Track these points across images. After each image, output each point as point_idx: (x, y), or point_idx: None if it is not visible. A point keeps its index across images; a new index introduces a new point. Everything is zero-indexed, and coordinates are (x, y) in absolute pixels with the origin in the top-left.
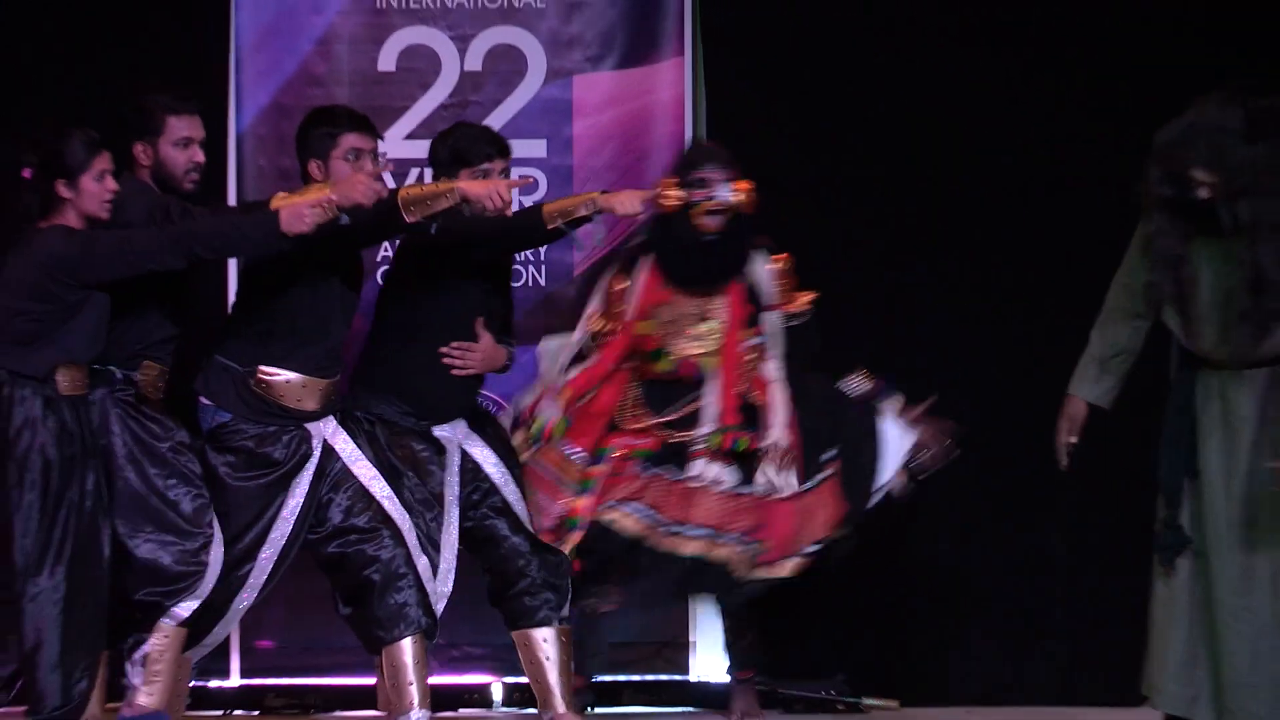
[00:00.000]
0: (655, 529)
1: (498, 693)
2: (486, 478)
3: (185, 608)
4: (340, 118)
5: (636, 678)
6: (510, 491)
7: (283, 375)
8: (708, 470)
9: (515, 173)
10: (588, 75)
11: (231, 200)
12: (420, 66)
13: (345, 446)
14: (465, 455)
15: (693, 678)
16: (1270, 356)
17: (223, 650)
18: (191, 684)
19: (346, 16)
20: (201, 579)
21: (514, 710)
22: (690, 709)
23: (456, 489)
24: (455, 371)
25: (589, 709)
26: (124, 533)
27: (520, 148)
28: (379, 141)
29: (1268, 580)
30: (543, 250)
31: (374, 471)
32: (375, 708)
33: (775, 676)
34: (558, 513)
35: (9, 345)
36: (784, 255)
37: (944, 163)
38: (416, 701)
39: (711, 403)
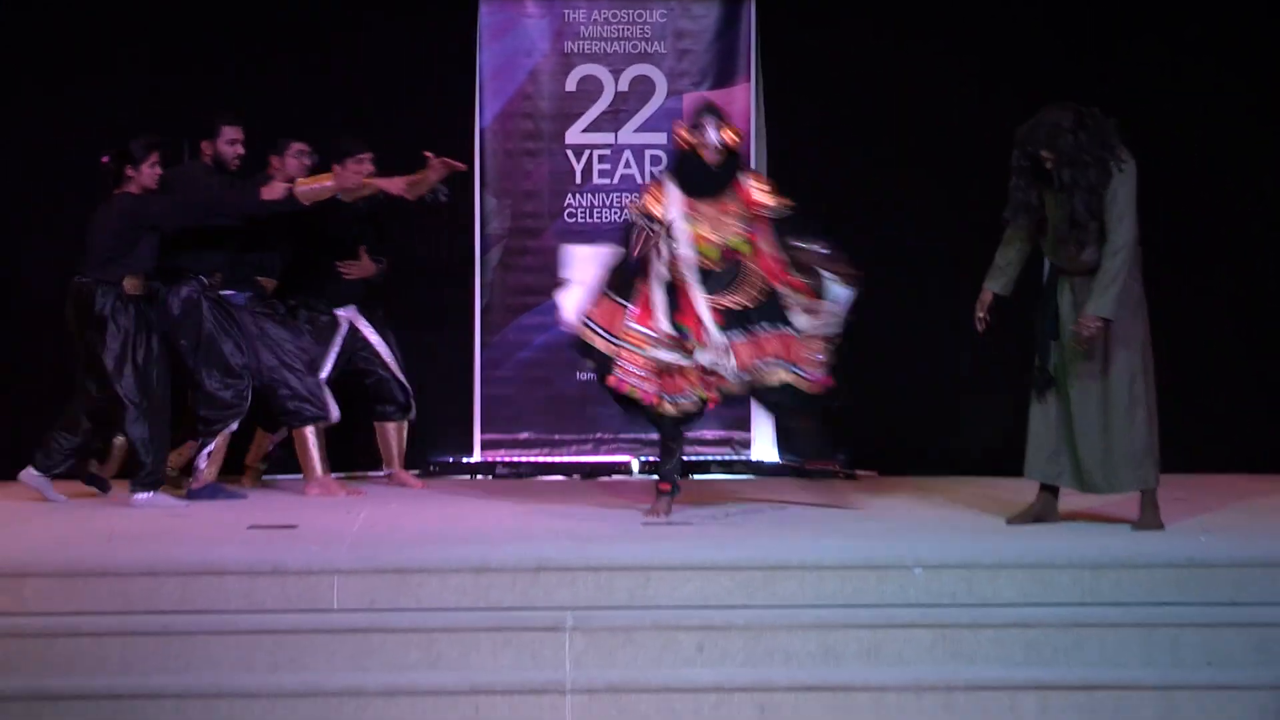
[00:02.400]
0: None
1: (635, 466)
2: (365, 339)
3: (233, 426)
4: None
5: (718, 457)
6: (382, 348)
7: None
8: (799, 320)
9: (648, 154)
10: (692, 94)
11: (476, 170)
12: (591, 89)
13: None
14: (352, 326)
15: (752, 458)
16: (1091, 265)
17: (468, 440)
18: (449, 459)
19: (547, 58)
20: (244, 407)
21: (644, 477)
22: (749, 476)
23: (339, 346)
24: (346, 277)
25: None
26: (203, 375)
27: (651, 137)
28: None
29: (1096, 400)
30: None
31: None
32: (559, 473)
33: (799, 455)
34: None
35: (97, 264)
36: (763, 177)
37: (968, 164)
38: (319, 470)
39: (755, 270)
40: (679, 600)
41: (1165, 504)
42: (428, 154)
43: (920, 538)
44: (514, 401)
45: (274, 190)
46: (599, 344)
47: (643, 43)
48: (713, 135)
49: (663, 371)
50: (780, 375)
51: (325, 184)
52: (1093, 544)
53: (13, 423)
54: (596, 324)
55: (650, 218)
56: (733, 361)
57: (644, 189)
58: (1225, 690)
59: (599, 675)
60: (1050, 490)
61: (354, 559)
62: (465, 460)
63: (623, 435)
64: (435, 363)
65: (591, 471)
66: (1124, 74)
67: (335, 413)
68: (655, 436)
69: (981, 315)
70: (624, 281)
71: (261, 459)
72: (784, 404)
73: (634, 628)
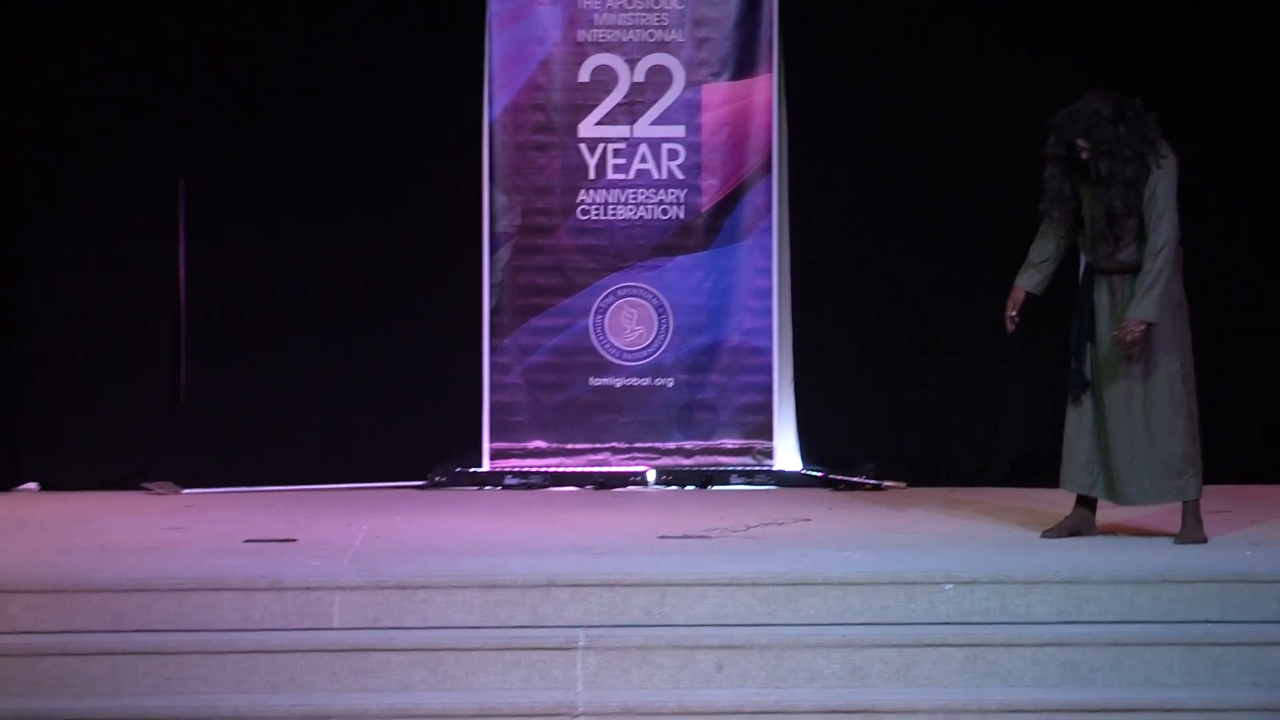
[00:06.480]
0: None
1: (651, 477)
2: None
3: None
4: None
5: (739, 467)
6: None
7: None
8: None
9: (665, 148)
10: (711, 84)
11: (485, 165)
12: (605, 79)
13: None
14: None
15: (774, 467)
16: (1129, 264)
17: (476, 449)
18: (456, 469)
19: (559, 47)
20: None
21: (662, 487)
22: (772, 487)
23: None
24: None
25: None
26: None
27: (668, 130)
28: None
29: (1134, 406)
30: (682, 194)
31: None
32: (571, 484)
33: (830, 465)
34: None
35: None
36: None
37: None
38: None
39: None
40: (697, 618)
41: (1208, 516)
42: None
43: (951, 552)
44: (524, 409)
45: None
46: None
47: (660, 31)
48: None
49: None
50: None
51: None
52: (1132, 558)
53: None
54: None
55: None
56: None
57: None
58: (1272, 712)
59: (613, 696)
60: (1087, 502)
61: (356, 574)
62: (472, 470)
63: (638, 444)
64: (440, 368)
65: (606, 482)
66: (1167, 60)
67: None
68: (674, 445)
69: (1012, 314)
70: None
71: None
72: None
73: (650, 646)
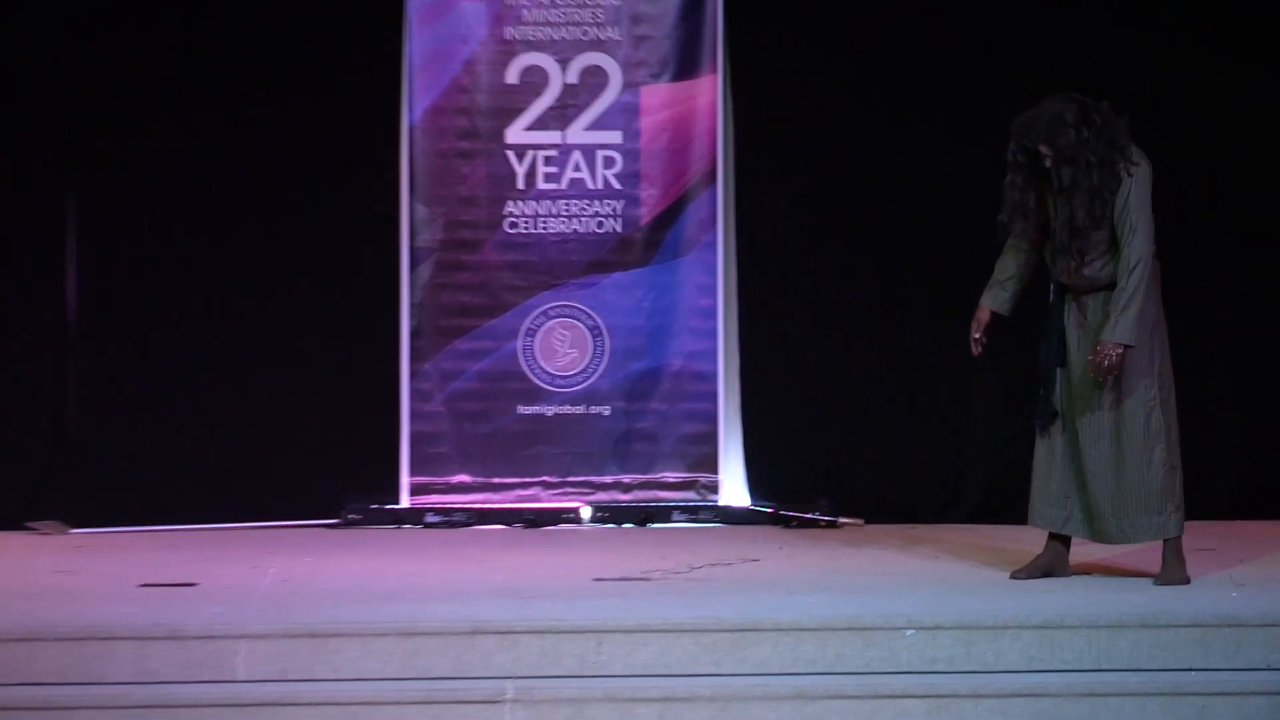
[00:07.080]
0: None
1: (586, 513)
2: None
3: None
4: None
5: (681, 502)
6: None
7: None
8: None
9: (600, 155)
10: (650, 86)
11: (404, 174)
12: (535, 80)
13: None
14: None
15: (720, 503)
16: (1097, 282)
17: (394, 484)
18: (371, 506)
19: (484, 45)
20: None
21: (598, 525)
22: (718, 524)
23: None
24: None
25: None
26: None
27: (603, 136)
28: None
29: (1108, 436)
30: (619, 206)
31: None
32: (499, 522)
33: (781, 501)
34: None
35: None
36: None
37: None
38: None
39: None
40: (635, 667)
41: (1191, 555)
42: None
43: (912, 594)
44: (447, 439)
45: None
46: None
47: (594, 29)
48: None
49: None
50: None
51: None
52: (1108, 601)
53: None
54: None
55: None
56: None
57: None
58: None
59: None
60: (1060, 540)
61: (263, 621)
62: (390, 508)
63: (571, 478)
64: (355, 396)
65: (536, 520)
66: (1143, 59)
67: None
68: (611, 479)
69: (977, 336)
70: None
71: None
72: None
73: (584, 699)
